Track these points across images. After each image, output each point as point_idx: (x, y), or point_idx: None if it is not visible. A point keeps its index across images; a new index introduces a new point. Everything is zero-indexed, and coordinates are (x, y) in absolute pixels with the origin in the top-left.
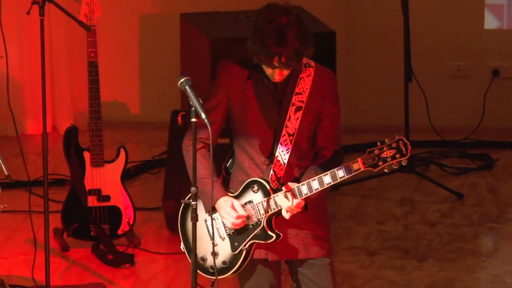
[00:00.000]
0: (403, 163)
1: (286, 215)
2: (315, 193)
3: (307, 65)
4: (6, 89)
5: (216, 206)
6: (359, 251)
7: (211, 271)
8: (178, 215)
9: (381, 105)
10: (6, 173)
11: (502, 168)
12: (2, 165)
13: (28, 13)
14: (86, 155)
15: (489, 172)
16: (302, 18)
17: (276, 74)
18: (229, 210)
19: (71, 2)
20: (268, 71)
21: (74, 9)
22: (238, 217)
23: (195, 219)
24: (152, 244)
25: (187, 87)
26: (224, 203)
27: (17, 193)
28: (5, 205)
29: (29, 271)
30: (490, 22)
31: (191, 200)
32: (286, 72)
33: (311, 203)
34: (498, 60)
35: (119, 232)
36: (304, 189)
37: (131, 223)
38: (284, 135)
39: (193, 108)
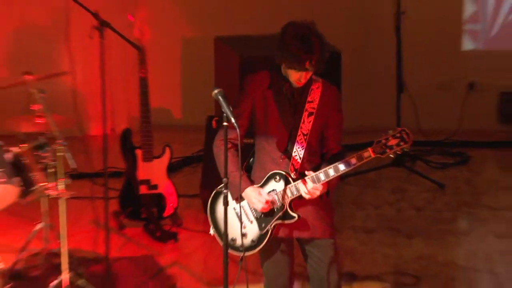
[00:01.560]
0: (406, 149)
1: (306, 196)
2: (333, 179)
3: (316, 80)
4: (73, 98)
5: (243, 195)
6: (360, 230)
7: (240, 249)
8: (209, 205)
9: (378, 111)
10: (74, 167)
11: (476, 164)
12: (71, 160)
13: (90, 37)
14: (138, 152)
15: (465, 167)
16: (318, 29)
17: (303, 78)
18: (258, 197)
19: (125, 27)
20: (296, 76)
21: (129, 33)
22: (266, 202)
23: (226, 204)
24: (191, 224)
25: (219, 97)
26: (252, 192)
27: (82, 183)
28: (74, 192)
29: (93, 246)
30: (467, 43)
31: (223, 189)
32: (308, 76)
33: (332, 189)
34: (473, 76)
35: (165, 214)
36: (322, 176)
37: (174, 207)
38: (300, 135)
39: (224, 114)
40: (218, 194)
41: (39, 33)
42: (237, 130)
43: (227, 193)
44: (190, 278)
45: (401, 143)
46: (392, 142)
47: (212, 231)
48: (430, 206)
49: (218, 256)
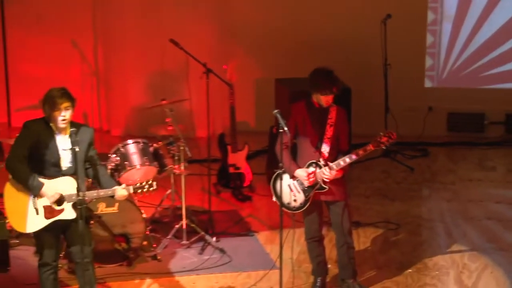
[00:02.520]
0: (392, 143)
1: (330, 176)
2: (346, 166)
3: (332, 105)
4: (190, 114)
5: (295, 174)
6: (362, 196)
7: (293, 209)
8: (272, 181)
9: (373, 124)
10: (190, 155)
11: (433, 156)
12: (188, 151)
13: (200, 77)
14: (229, 147)
15: (427, 158)
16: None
17: (330, 99)
18: (305, 174)
19: (222, 71)
20: (325, 99)
21: (223, 75)
22: (308, 176)
23: (281, 179)
24: (260, 191)
25: (278, 114)
26: (301, 172)
27: (194, 165)
28: (189, 171)
29: (201, 203)
30: (427, 83)
31: (280, 170)
32: (331, 99)
33: (345, 172)
34: (431, 102)
35: (244, 185)
36: (341, 162)
37: (250, 180)
38: (326, 138)
39: (280, 125)
40: (278, 175)
41: (170, 73)
42: (288, 134)
43: (282, 173)
44: (259, 224)
45: (389, 140)
46: (384, 139)
47: (274, 198)
48: (405, 181)
49: (276, 211)
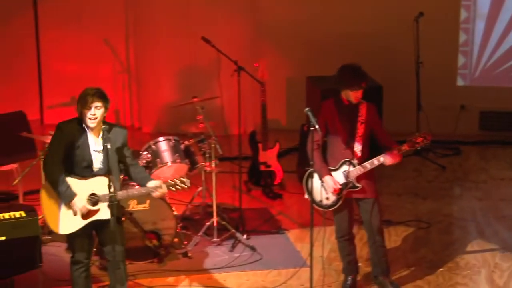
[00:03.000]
0: (427, 144)
1: (362, 171)
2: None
3: (362, 102)
4: (221, 112)
5: (324, 180)
6: (393, 194)
7: (325, 207)
8: (304, 177)
9: (405, 122)
10: (221, 153)
11: (465, 154)
12: (219, 149)
13: (232, 75)
14: (260, 145)
15: (459, 156)
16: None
17: (359, 95)
18: (332, 184)
19: (253, 69)
20: (355, 94)
21: (255, 73)
22: (334, 191)
23: (312, 177)
24: (291, 189)
25: (309, 112)
26: (329, 180)
27: (225, 163)
28: (220, 169)
29: (231, 201)
30: (459, 81)
31: (311, 168)
32: (361, 95)
33: (374, 169)
34: (463, 100)
35: (275, 183)
36: (375, 162)
37: (281, 178)
38: (357, 136)
39: (311, 123)
40: (310, 173)
41: (201, 71)
42: (319, 133)
43: (313, 171)
44: (290, 222)
45: (424, 141)
46: (419, 140)
47: (306, 196)
48: (436, 179)
49: (307, 209)
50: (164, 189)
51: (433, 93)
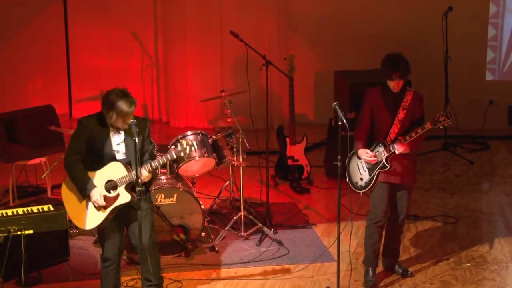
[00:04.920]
0: (450, 123)
1: (398, 151)
2: (414, 145)
3: (409, 90)
4: (249, 106)
5: (358, 154)
6: (421, 189)
7: (360, 188)
8: (332, 170)
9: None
10: (248, 147)
11: (493, 149)
12: (246, 143)
13: (260, 69)
14: (287, 139)
15: (487, 151)
16: (404, 56)
17: (396, 85)
18: (367, 154)
19: (281, 63)
20: (391, 84)
21: (283, 67)
22: (370, 156)
23: (348, 162)
24: (318, 183)
25: (337, 107)
26: (363, 152)
27: (253, 157)
28: (248, 163)
29: (259, 195)
30: (488, 76)
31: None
32: (401, 84)
33: (412, 150)
34: (491, 95)
35: (303, 177)
36: (407, 137)
37: (309, 172)
38: (396, 119)
39: (339, 117)
40: (350, 156)
41: (229, 66)
42: (347, 127)
43: (353, 154)
44: (317, 216)
45: (446, 120)
46: (442, 118)
47: (347, 180)
48: (464, 174)
49: (334, 204)
50: (144, 173)
51: (461, 88)
